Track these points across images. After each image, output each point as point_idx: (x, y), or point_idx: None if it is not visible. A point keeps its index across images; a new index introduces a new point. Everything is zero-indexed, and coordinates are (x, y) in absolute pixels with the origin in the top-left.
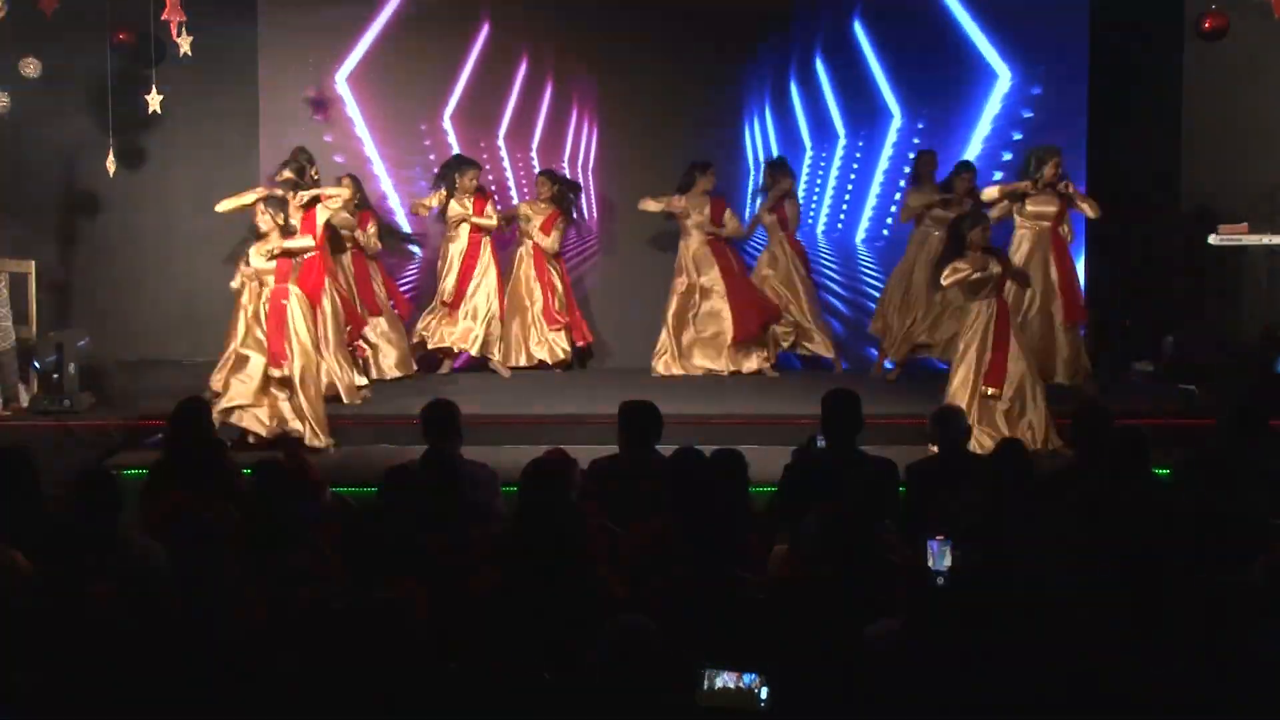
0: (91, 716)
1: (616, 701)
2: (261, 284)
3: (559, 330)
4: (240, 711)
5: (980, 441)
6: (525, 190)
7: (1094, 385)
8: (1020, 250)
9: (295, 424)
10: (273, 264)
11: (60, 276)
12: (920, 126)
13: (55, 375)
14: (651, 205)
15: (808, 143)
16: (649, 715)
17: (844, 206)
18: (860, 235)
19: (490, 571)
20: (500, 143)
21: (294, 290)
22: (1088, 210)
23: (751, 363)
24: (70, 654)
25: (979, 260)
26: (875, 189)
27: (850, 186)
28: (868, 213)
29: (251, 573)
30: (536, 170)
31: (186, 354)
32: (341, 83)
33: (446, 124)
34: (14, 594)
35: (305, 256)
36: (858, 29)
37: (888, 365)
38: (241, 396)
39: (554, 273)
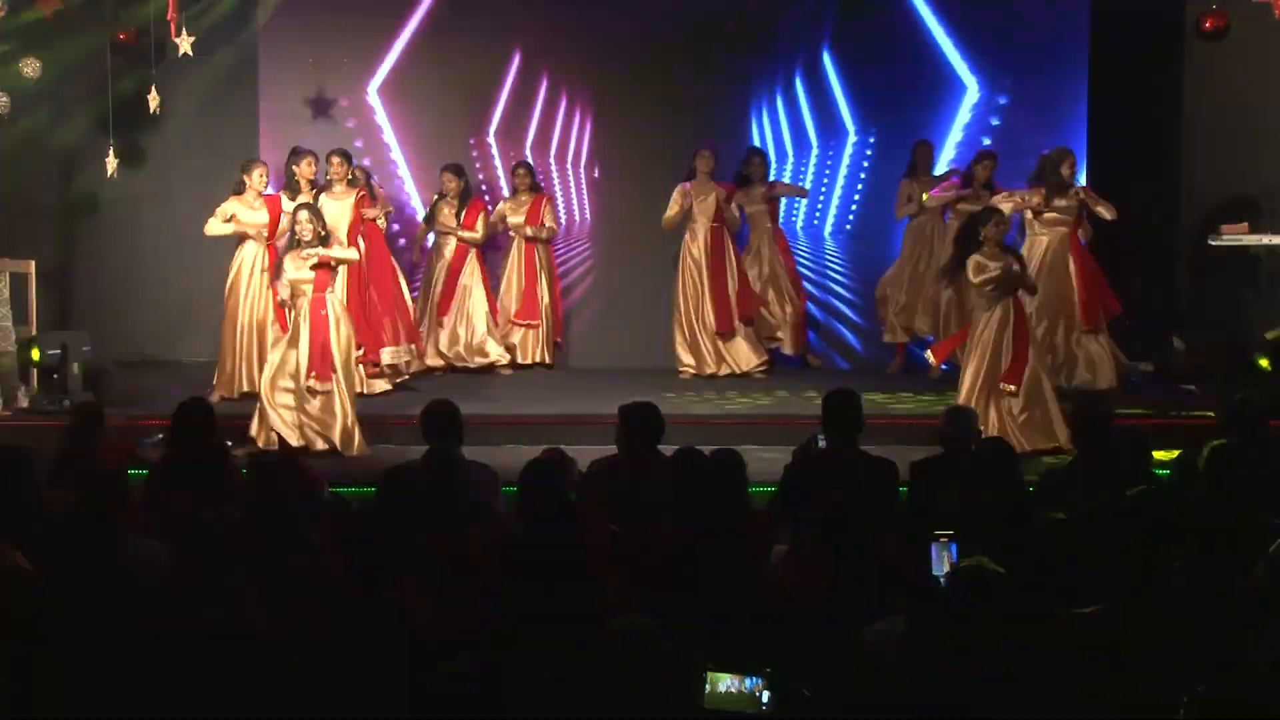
0: (92, 716)
1: (617, 703)
2: (297, 294)
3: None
4: (241, 712)
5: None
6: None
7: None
8: (1037, 254)
9: (328, 432)
10: (310, 274)
11: (60, 277)
12: (875, 136)
13: (54, 375)
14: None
15: (803, 144)
16: (650, 716)
17: (818, 205)
18: (828, 228)
19: (490, 572)
20: (490, 140)
21: (330, 299)
22: (1104, 213)
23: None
24: (70, 654)
25: (1003, 259)
26: (839, 185)
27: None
28: (834, 206)
29: (252, 573)
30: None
31: (187, 354)
32: (372, 94)
33: (462, 130)
34: (14, 594)
35: (347, 265)
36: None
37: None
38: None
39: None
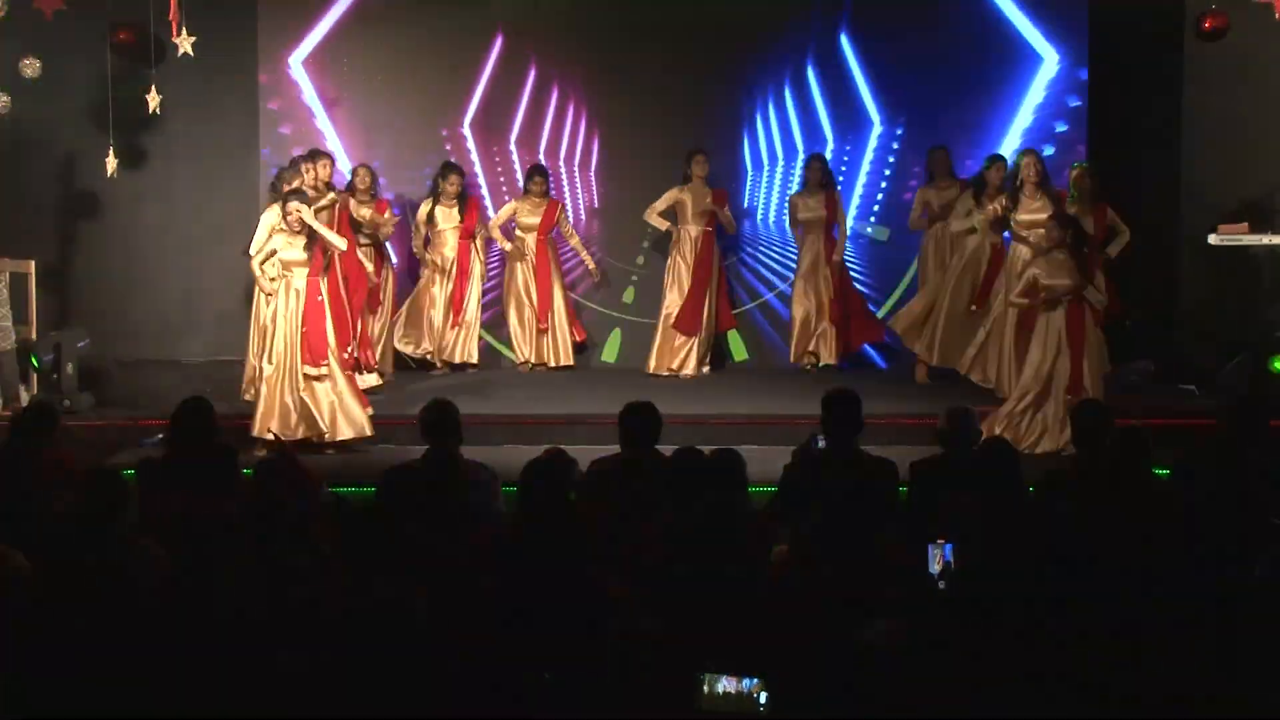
0: (92, 715)
1: (617, 703)
2: (283, 277)
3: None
4: (240, 710)
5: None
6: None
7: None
8: (1019, 261)
9: (329, 417)
10: (303, 255)
11: (60, 276)
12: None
13: (54, 375)
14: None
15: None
16: (650, 717)
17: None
18: (847, 229)
19: (490, 572)
20: (466, 131)
21: (323, 284)
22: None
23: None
24: (70, 654)
25: (1063, 269)
26: (859, 183)
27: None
28: (853, 207)
29: (252, 572)
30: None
31: (187, 354)
32: (296, 67)
33: (424, 118)
34: (14, 594)
35: (334, 253)
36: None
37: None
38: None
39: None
